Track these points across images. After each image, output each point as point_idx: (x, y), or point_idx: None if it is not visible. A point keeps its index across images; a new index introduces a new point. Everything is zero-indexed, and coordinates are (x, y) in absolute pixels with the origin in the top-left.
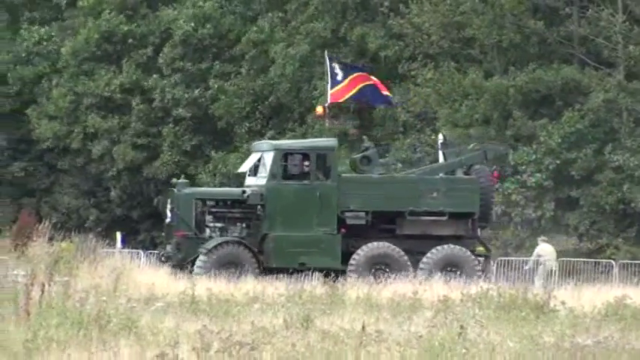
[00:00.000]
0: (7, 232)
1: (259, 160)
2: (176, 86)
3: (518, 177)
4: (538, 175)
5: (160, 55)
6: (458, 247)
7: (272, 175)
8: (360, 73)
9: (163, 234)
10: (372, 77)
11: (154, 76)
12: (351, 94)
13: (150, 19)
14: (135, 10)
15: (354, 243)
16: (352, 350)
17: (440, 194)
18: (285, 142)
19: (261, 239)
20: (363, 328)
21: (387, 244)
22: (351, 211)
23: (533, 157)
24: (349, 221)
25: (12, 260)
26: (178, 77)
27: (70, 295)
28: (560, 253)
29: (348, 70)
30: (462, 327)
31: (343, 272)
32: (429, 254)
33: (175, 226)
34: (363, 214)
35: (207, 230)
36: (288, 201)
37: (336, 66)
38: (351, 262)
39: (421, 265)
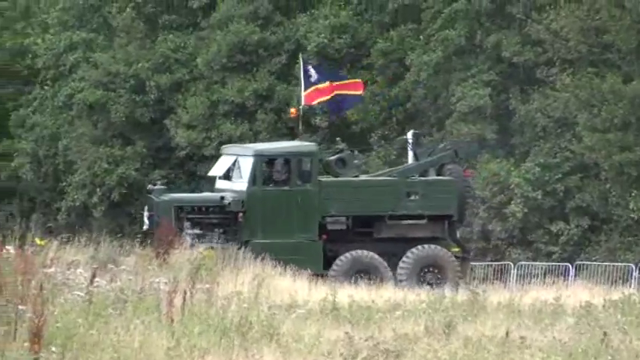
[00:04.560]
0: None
1: (234, 164)
2: None
3: None
4: None
5: (296, 65)
6: (438, 247)
7: (252, 181)
8: (336, 83)
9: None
10: (346, 82)
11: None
12: (324, 99)
13: (285, 25)
14: (267, 19)
15: (332, 247)
16: (495, 357)
17: (419, 197)
18: (264, 147)
19: (241, 246)
20: (507, 334)
21: (369, 252)
22: (332, 216)
23: None
24: (330, 227)
25: (154, 268)
26: None
27: (212, 302)
28: None
29: (322, 75)
30: (604, 333)
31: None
32: (408, 254)
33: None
34: (343, 219)
35: (187, 237)
36: (269, 207)
37: (310, 68)
38: (333, 268)
39: (401, 267)
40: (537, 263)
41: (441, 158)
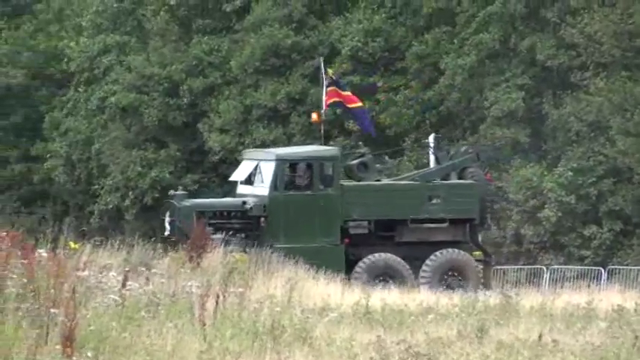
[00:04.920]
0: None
1: (255, 168)
2: None
3: None
4: None
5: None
6: (460, 251)
7: (274, 186)
8: (350, 95)
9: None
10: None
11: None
12: (352, 105)
13: (319, 29)
14: (301, 22)
15: (355, 251)
16: None
17: (440, 201)
18: (286, 152)
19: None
20: (540, 338)
21: (391, 256)
22: (354, 220)
23: None
24: (352, 231)
25: (187, 271)
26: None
27: (244, 305)
28: None
29: (340, 84)
30: (636, 337)
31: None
32: (431, 259)
33: (176, 239)
34: (365, 223)
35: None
36: (291, 212)
37: (329, 70)
38: (355, 272)
39: (423, 270)
40: (570, 267)
41: (463, 162)
